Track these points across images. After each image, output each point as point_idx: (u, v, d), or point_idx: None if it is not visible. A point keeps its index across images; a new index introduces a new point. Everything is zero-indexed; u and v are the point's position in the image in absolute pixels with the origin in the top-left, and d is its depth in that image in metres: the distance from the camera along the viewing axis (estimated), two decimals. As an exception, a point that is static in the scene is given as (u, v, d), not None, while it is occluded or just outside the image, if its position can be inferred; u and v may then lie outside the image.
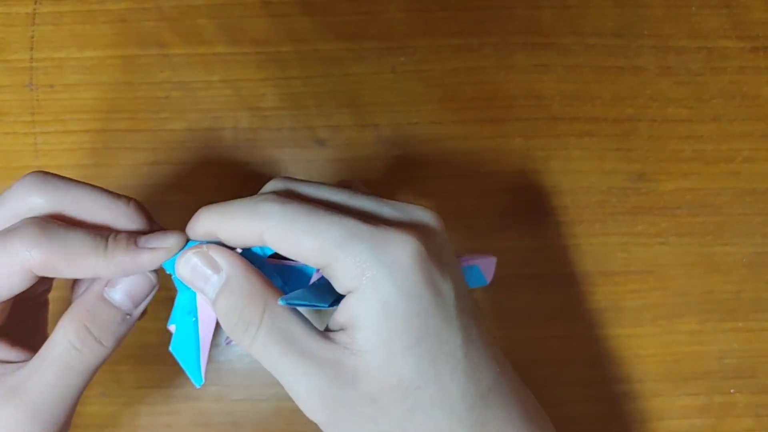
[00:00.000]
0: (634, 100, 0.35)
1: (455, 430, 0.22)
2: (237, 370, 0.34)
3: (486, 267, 0.32)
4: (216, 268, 0.23)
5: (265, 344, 0.23)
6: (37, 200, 0.23)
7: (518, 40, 0.35)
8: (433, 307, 0.22)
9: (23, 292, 0.25)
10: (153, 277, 0.25)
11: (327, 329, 0.23)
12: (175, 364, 0.32)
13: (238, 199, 0.23)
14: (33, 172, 0.24)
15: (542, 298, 0.35)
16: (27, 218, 0.23)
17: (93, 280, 0.25)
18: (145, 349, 0.34)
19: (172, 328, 0.25)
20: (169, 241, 0.24)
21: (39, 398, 0.23)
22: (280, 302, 0.22)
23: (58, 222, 0.23)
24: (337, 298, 0.23)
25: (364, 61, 0.35)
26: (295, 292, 0.23)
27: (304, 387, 0.22)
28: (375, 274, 0.21)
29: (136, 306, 0.24)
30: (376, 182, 0.35)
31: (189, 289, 0.24)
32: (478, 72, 0.35)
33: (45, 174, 0.24)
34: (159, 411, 0.34)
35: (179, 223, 0.26)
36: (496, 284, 0.34)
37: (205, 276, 0.24)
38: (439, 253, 0.23)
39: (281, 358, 0.22)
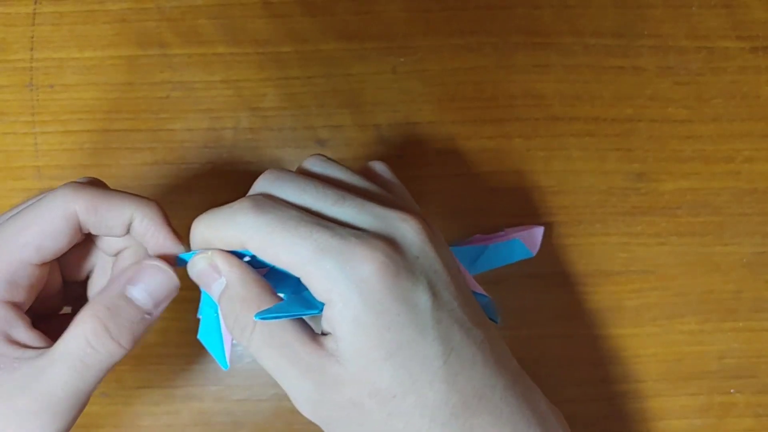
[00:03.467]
0: (634, 100, 0.35)
1: None
2: (237, 370, 0.34)
3: (529, 239, 0.32)
4: (218, 273, 0.24)
5: (258, 348, 0.24)
6: (73, 206, 0.24)
7: (518, 39, 0.35)
8: (404, 320, 0.22)
9: (53, 286, 0.25)
10: (175, 277, 0.25)
11: (322, 332, 0.24)
12: (176, 364, 0.32)
13: (221, 208, 0.24)
14: (68, 183, 0.25)
15: (542, 298, 0.35)
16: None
17: (112, 277, 0.25)
18: (145, 349, 0.34)
19: (200, 317, 0.26)
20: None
21: (51, 393, 0.23)
22: (255, 317, 0.23)
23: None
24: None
25: (364, 61, 0.35)
26: (278, 304, 0.24)
27: (295, 390, 0.23)
28: (343, 290, 0.22)
29: (157, 306, 0.25)
30: (377, 182, 0.35)
31: None
32: (478, 72, 0.35)
33: (78, 184, 0.25)
34: (159, 411, 0.34)
35: (180, 224, 0.26)
36: (496, 284, 0.35)
37: (210, 279, 0.25)
38: (413, 265, 0.23)
39: (273, 361, 0.23)
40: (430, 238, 0.24)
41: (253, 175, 0.34)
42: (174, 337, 0.34)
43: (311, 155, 0.27)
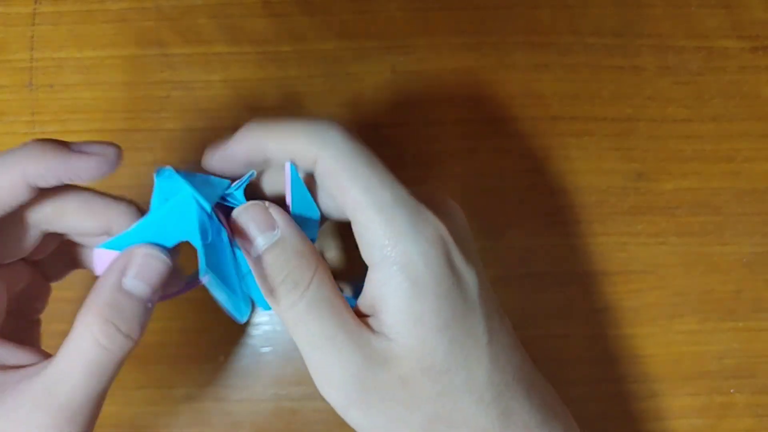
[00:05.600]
0: (634, 99, 0.35)
1: (481, 417, 0.22)
2: (237, 370, 0.34)
3: None
4: (272, 225, 0.23)
5: (307, 310, 0.22)
6: (36, 169, 0.22)
7: (517, 39, 0.35)
8: (457, 293, 0.22)
9: (19, 305, 0.24)
10: (167, 259, 0.24)
11: (356, 311, 0.23)
12: (176, 364, 0.32)
13: (297, 118, 0.23)
14: (37, 140, 0.23)
15: (542, 298, 0.35)
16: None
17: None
18: (145, 349, 0.34)
19: (205, 279, 0.23)
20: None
21: (71, 403, 0.22)
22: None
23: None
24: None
25: (363, 60, 0.35)
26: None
27: (336, 366, 0.22)
28: (409, 247, 0.22)
29: (154, 291, 0.23)
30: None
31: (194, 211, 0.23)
32: (477, 71, 0.35)
33: (47, 142, 0.23)
34: (159, 411, 0.34)
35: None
36: (496, 284, 0.34)
37: (263, 227, 0.23)
38: (464, 243, 0.23)
39: (319, 329, 0.22)
40: (467, 223, 0.24)
41: (253, 175, 0.35)
42: (174, 337, 0.34)
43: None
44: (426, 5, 0.35)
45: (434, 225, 0.22)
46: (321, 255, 0.24)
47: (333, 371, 0.22)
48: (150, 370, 0.34)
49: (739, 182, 0.35)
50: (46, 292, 0.28)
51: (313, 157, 0.22)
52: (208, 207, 0.23)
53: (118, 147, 0.23)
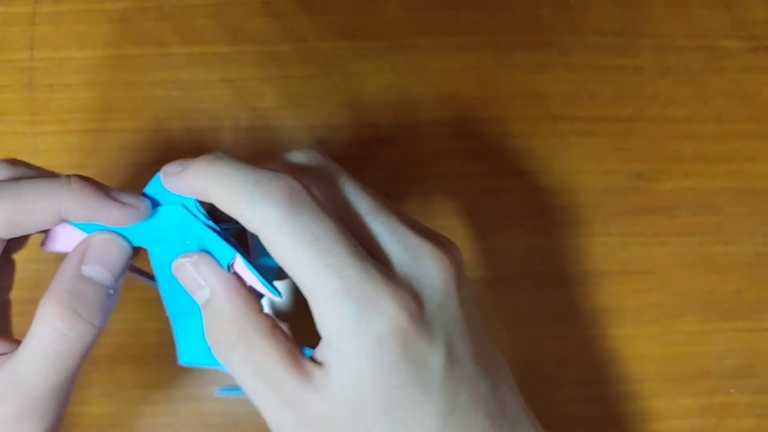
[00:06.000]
0: (634, 99, 0.35)
1: None
2: (237, 369, 0.34)
3: None
4: (199, 285, 0.23)
5: (238, 371, 0.22)
6: None
7: (518, 39, 0.35)
8: (412, 379, 0.21)
9: None
10: (127, 245, 0.23)
11: (312, 357, 0.22)
12: (175, 364, 0.32)
13: (246, 171, 0.21)
14: (79, 178, 0.22)
15: (542, 298, 0.35)
16: None
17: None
18: (145, 349, 0.34)
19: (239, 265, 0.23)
20: (143, 204, 0.23)
21: (33, 393, 0.22)
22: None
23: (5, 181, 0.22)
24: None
25: (364, 59, 0.35)
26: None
27: (275, 421, 0.22)
28: (356, 341, 0.20)
29: (116, 278, 0.23)
30: (377, 182, 0.35)
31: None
32: (478, 71, 0.35)
33: (88, 183, 0.22)
34: (159, 411, 0.34)
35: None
36: (496, 284, 0.35)
37: (194, 285, 0.23)
38: (434, 319, 0.21)
39: (253, 387, 0.22)
40: (458, 281, 0.22)
41: (253, 175, 0.35)
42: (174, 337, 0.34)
43: (305, 149, 0.25)
44: (426, 5, 0.35)
45: (390, 315, 0.20)
46: (258, 307, 0.23)
47: (273, 425, 0.22)
48: (150, 370, 0.34)
49: (740, 182, 0.35)
50: (11, 266, 0.27)
51: (254, 228, 0.21)
52: (201, 217, 0.23)
53: (149, 202, 0.23)
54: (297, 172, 0.22)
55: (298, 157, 0.24)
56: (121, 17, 0.35)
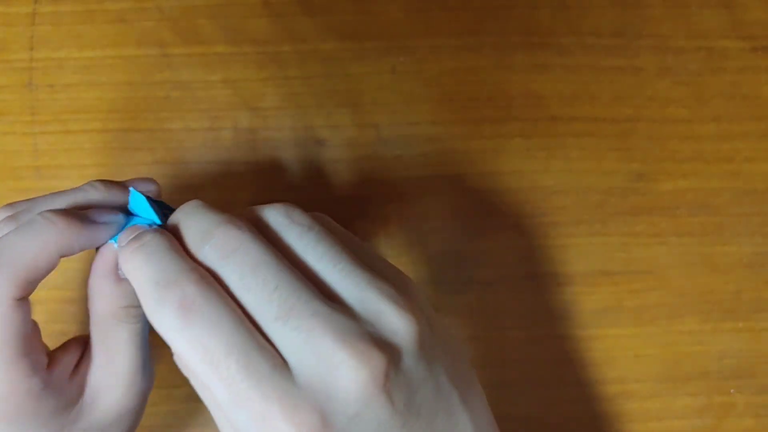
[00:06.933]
0: (634, 100, 0.35)
1: None
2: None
3: None
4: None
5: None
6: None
7: (517, 40, 0.35)
8: None
9: None
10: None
11: None
12: (175, 364, 0.32)
13: (156, 264, 0.21)
14: (54, 215, 0.23)
15: (542, 298, 0.35)
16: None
17: None
18: (144, 349, 0.34)
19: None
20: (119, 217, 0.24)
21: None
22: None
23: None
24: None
25: (364, 60, 0.35)
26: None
27: None
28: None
29: None
30: (377, 182, 0.35)
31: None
32: (477, 72, 0.35)
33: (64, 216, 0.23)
34: (159, 411, 0.34)
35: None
36: (496, 284, 0.34)
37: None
38: (402, 380, 0.20)
39: None
40: (384, 382, 0.19)
41: (253, 175, 0.35)
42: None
43: (283, 205, 0.23)
44: (426, 6, 0.35)
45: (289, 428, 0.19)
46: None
47: None
48: (150, 370, 0.34)
49: (739, 183, 0.35)
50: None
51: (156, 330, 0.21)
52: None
53: (124, 214, 0.25)
54: (259, 229, 0.22)
55: (271, 214, 0.23)
56: (121, 17, 0.35)
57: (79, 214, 0.24)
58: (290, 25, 0.35)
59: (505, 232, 0.35)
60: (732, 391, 0.35)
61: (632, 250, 0.35)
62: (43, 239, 0.23)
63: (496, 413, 0.24)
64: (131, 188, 0.25)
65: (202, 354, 0.19)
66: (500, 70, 0.35)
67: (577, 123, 0.35)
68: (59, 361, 0.25)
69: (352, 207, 0.35)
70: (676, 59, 0.35)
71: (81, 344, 0.26)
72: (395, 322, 0.20)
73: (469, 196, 0.35)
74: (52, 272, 0.23)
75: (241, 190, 0.35)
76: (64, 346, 0.26)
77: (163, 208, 0.25)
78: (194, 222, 0.22)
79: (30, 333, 0.23)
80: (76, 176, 0.34)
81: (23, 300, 0.23)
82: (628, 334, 0.35)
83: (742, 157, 0.35)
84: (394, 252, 0.35)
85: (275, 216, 0.22)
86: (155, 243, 0.21)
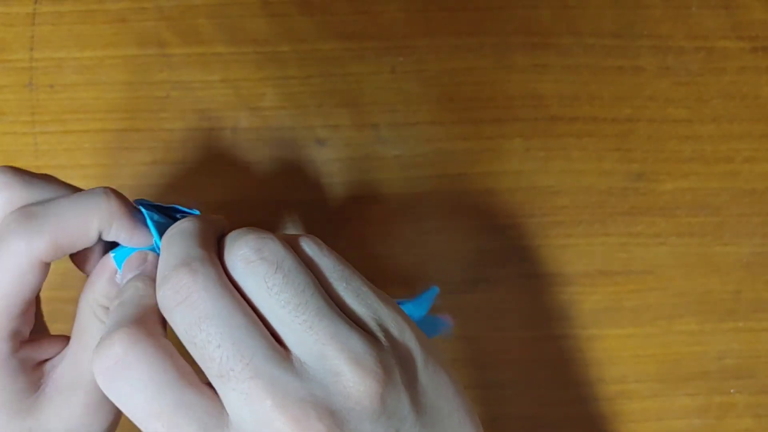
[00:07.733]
0: (633, 100, 0.35)
1: None
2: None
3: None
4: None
5: None
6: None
7: (517, 40, 0.35)
8: None
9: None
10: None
11: None
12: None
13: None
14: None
15: (542, 298, 0.35)
16: (7, 215, 0.22)
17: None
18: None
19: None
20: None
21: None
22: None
23: (37, 204, 0.22)
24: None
25: (363, 60, 0.35)
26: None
27: None
28: None
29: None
30: (376, 182, 0.35)
31: None
32: (477, 72, 0.35)
33: (7, 169, 0.22)
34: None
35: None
36: (496, 284, 0.34)
37: None
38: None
39: None
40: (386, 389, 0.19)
41: (253, 175, 0.35)
42: (174, 337, 0.34)
43: (250, 236, 0.21)
44: (426, 6, 0.35)
45: None
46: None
47: None
48: (149, 370, 0.34)
49: (739, 183, 0.35)
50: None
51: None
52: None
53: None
54: (228, 263, 0.21)
55: (241, 246, 0.21)
56: (121, 17, 0.35)
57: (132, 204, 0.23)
58: (290, 25, 0.35)
59: (505, 232, 0.35)
60: (732, 391, 0.35)
61: (632, 251, 0.35)
62: (94, 207, 0.22)
63: (495, 413, 0.24)
64: (141, 206, 0.24)
65: (143, 410, 0.19)
66: (500, 70, 0.35)
67: (577, 123, 0.35)
68: (37, 344, 0.24)
69: (351, 207, 0.35)
70: (676, 59, 0.35)
71: (66, 343, 0.25)
72: (350, 386, 0.19)
73: (469, 196, 0.35)
74: (52, 272, 0.23)
75: (241, 190, 0.35)
76: (51, 336, 0.25)
77: (176, 212, 0.25)
78: (165, 255, 0.21)
79: (31, 300, 0.22)
80: (76, 176, 0.34)
81: (47, 265, 0.22)
82: (628, 334, 0.35)
83: (741, 157, 0.35)
84: (394, 252, 0.35)
85: (245, 250, 0.20)
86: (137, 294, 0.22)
